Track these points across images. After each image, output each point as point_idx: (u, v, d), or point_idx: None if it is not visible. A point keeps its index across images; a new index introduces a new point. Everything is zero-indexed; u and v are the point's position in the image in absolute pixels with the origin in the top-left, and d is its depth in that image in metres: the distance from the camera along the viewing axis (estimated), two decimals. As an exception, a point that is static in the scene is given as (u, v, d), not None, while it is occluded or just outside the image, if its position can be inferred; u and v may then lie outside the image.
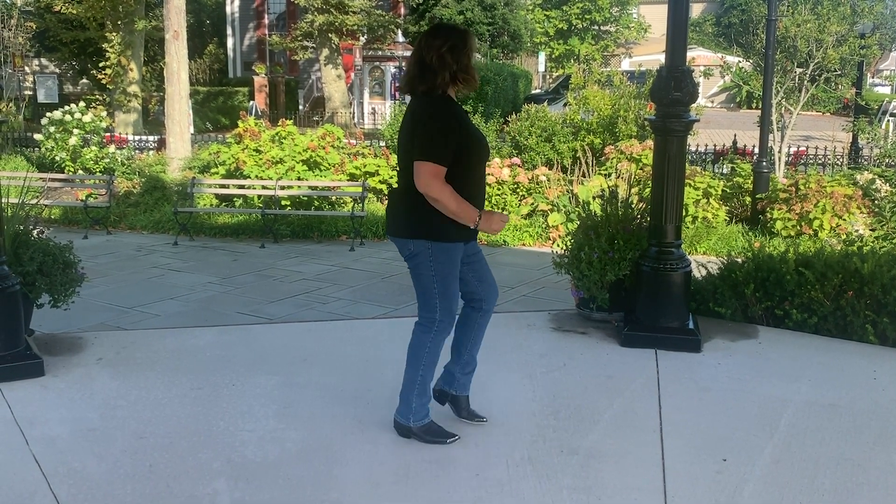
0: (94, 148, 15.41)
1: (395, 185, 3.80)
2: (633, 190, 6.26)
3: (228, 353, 5.09)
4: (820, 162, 14.95)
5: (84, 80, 28.86)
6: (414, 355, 3.73)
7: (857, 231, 9.65)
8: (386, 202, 12.79)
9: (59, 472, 3.53)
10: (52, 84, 25.93)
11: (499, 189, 11.82)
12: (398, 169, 3.75)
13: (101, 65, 23.25)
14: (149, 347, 5.20)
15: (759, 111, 12.14)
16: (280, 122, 13.42)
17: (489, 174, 11.75)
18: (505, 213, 3.62)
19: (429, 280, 3.64)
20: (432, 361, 3.74)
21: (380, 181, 13.07)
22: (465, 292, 3.84)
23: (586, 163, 12.61)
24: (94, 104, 19.26)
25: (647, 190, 5.63)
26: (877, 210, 10.33)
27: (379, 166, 13.12)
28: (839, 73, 14.86)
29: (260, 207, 12.02)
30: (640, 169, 11.48)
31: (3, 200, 4.92)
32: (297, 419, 4.08)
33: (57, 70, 29.26)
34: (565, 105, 15.88)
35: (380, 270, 9.29)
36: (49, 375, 4.61)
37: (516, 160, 12.73)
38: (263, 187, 12.17)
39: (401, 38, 27.86)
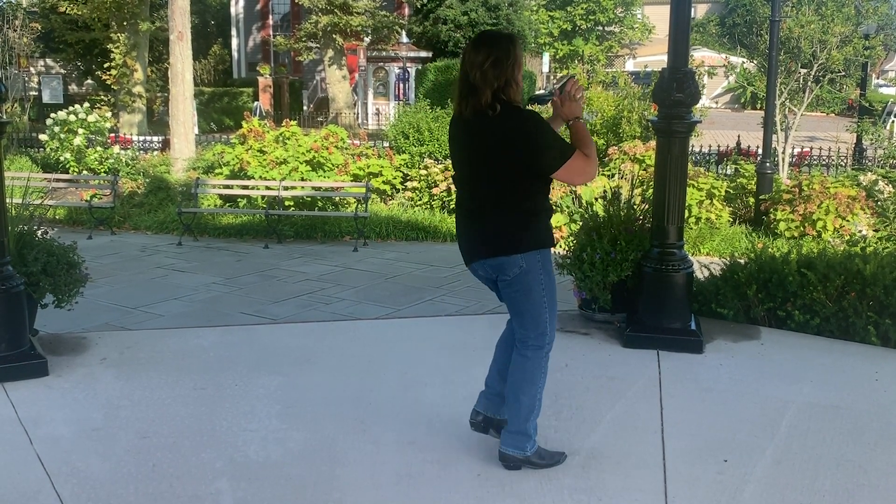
0: (98, 148, 15.45)
1: (462, 212, 3.48)
2: (636, 191, 6.25)
3: (232, 353, 5.11)
4: (824, 163, 14.95)
5: (89, 81, 28.90)
6: (528, 379, 3.41)
7: (860, 232, 9.64)
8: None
9: (62, 471, 3.54)
10: (56, 84, 25.99)
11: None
12: (467, 192, 3.43)
13: (105, 65, 23.30)
14: (152, 348, 5.21)
15: (763, 112, 12.13)
16: (284, 123, 13.46)
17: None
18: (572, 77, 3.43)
19: (539, 296, 3.36)
20: (544, 383, 3.48)
21: (383, 182, 13.10)
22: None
23: (590, 163, 12.59)
24: (98, 105, 19.30)
25: (650, 191, 5.63)
26: (880, 211, 10.33)
27: (382, 167, 13.14)
28: (843, 73, 14.85)
29: (264, 208, 12.05)
30: (644, 170, 11.48)
31: (7, 201, 4.94)
32: (300, 419, 4.09)
33: (62, 71, 29.31)
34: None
35: (383, 271, 9.30)
36: (53, 375, 4.63)
37: (520, 161, 12.74)
38: (267, 188, 12.20)
39: (405, 39, 27.85)
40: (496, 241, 3.33)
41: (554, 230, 10.58)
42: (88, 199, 13.05)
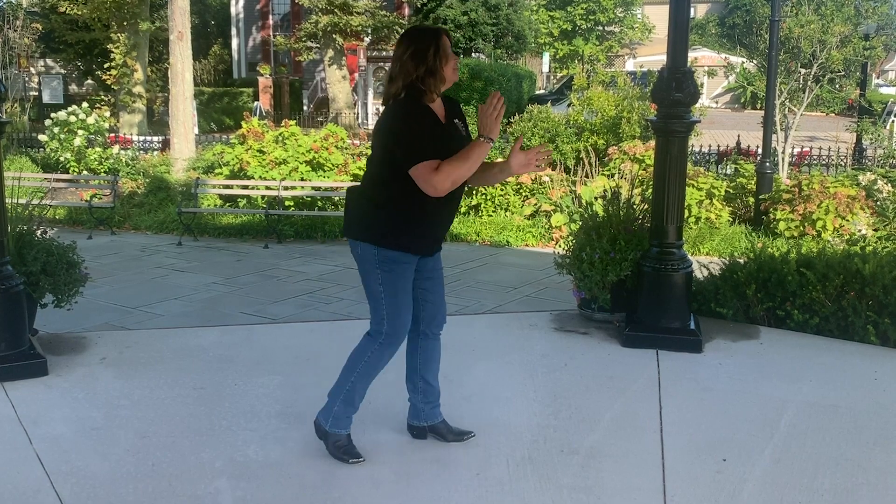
0: (98, 148, 15.46)
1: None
2: (636, 191, 6.26)
3: (231, 353, 5.11)
4: (823, 163, 14.96)
5: (89, 81, 28.93)
6: (351, 361, 3.58)
7: (860, 231, 9.65)
8: None
9: (62, 470, 3.55)
10: (57, 85, 26.00)
11: (502, 189, 11.84)
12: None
13: (106, 65, 23.33)
14: (152, 347, 5.22)
15: (763, 112, 12.14)
16: (283, 123, 13.46)
17: (492, 175, 11.75)
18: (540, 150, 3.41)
19: (376, 287, 3.46)
20: (367, 373, 3.56)
21: (383, 182, 13.08)
22: (413, 315, 3.57)
23: (590, 163, 12.62)
24: (98, 105, 19.25)
25: (650, 191, 5.64)
26: (880, 210, 10.33)
27: (382, 167, 13.14)
28: (843, 73, 14.85)
29: (263, 208, 12.06)
30: (644, 169, 11.49)
31: (7, 201, 4.94)
32: (300, 419, 4.08)
33: (62, 71, 29.33)
34: (569, 106, 15.89)
35: (383, 271, 9.29)
36: (53, 375, 4.63)
37: (520, 161, 12.74)
38: (267, 188, 12.21)
39: (405, 39, 27.86)
40: (347, 221, 3.55)
41: (553, 230, 10.68)
42: (88, 199, 13.05)
